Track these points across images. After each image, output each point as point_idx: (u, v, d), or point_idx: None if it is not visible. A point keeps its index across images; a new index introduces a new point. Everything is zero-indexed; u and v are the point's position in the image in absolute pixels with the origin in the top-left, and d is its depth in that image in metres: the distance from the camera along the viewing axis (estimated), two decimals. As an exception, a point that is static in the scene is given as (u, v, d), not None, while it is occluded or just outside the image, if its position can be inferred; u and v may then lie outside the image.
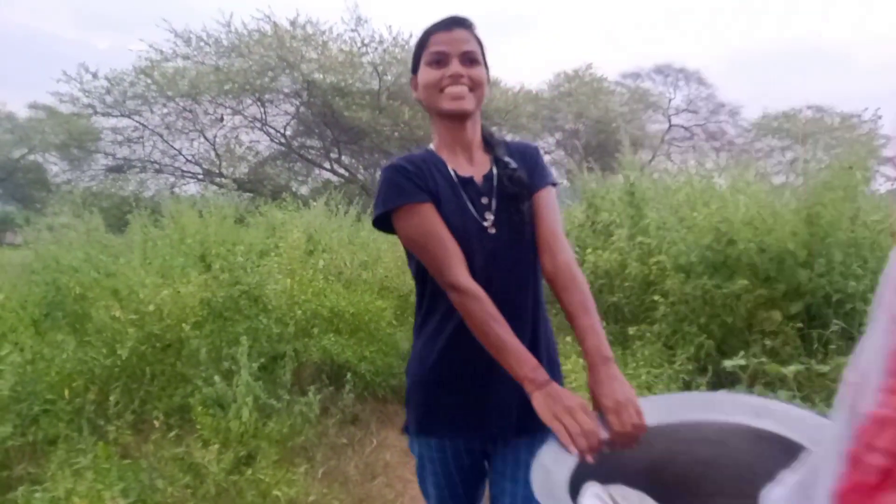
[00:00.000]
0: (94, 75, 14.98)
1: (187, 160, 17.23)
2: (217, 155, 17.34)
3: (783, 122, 20.51)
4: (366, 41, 15.51)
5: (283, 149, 18.21)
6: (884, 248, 3.85)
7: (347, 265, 6.14)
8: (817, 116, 20.22)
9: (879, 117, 16.08)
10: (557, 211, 1.55)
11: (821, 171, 4.43)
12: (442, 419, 1.55)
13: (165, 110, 16.04)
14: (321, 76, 15.16)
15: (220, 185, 16.11)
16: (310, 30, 15.57)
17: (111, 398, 3.37)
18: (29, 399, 3.51)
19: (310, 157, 18.51)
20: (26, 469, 3.12)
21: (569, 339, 4.18)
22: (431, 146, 1.60)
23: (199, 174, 17.28)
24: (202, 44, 15.37)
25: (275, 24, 15.17)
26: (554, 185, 1.59)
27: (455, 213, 1.47)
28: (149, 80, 15.10)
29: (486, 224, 1.49)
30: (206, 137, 17.10)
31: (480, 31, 1.53)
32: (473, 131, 1.54)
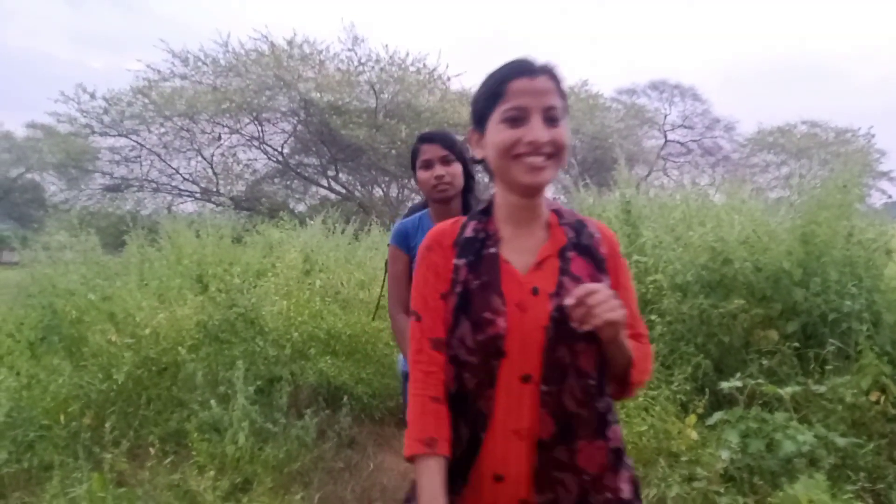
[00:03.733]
0: (92, 95, 15.08)
1: (185, 179, 17.27)
2: (214, 173, 17.39)
3: (778, 137, 20.62)
4: (362, 60, 15.65)
5: (280, 167, 18.26)
6: (878, 266, 3.86)
7: (344, 285, 6.13)
8: (812, 132, 20.34)
9: (873, 135, 16.15)
10: None
11: (815, 188, 4.44)
12: None
13: (163, 130, 16.10)
14: (318, 95, 15.23)
15: (218, 204, 16.14)
16: (307, 49, 15.70)
17: (107, 424, 3.34)
18: (24, 425, 3.50)
19: (307, 174, 18.56)
20: (21, 498, 3.09)
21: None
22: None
23: (196, 193, 17.31)
24: (200, 63, 15.48)
25: (272, 44, 15.28)
26: None
27: None
28: (146, 100, 15.18)
29: None
30: (203, 156, 17.15)
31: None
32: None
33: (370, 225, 9.51)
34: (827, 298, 3.63)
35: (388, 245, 2.35)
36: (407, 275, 2.24)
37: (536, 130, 1.20)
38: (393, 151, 15.50)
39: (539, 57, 1.26)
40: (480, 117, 1.30)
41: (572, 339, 1.20)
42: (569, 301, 1.14)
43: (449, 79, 16.79)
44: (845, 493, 2.54)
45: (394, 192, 19.20)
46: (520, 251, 1.30)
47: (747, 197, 5.07)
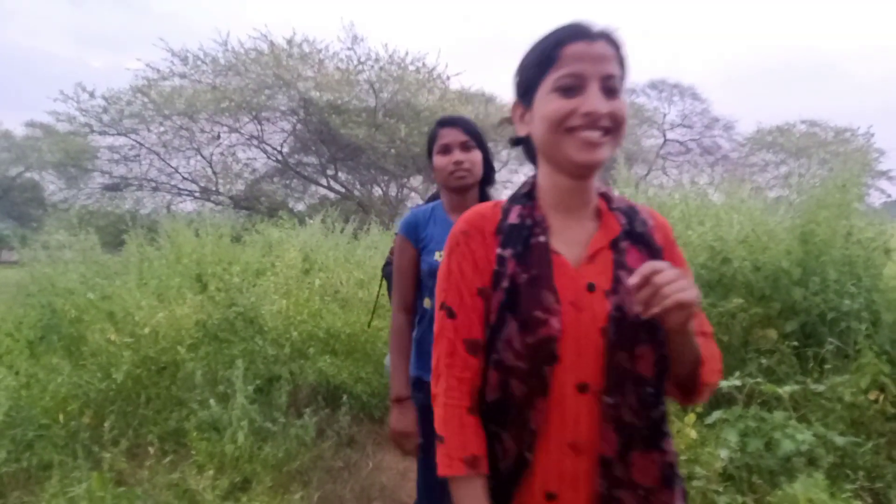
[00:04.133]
0: (91, 94, 15.06)
1: (184, 178, 17.27)
2: (214, 172, 17.38)
3: (777, 136, 20.62)
4: (362, 59, 15.62)
5: (279, 166, 18.25)
6: (877, 265, 3.86)
7: (343, 284, 6.13)
8: (811, 131, 20.35)
9: (872, 135, 16.17)
10: None
11: (814, 188, 4.45)
12: None
13: (162, 129, 16.09)
14: (318, 94, 15.22)
15: (217, 203, 16.16)
16: (306, 48, 15.68)
17: (106, 423, 3.34)
18: (23, 424, 3.49)
19: (306, 173, 18.56)
20: (21, 498, 3.09)
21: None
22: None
23: (195, 192, 17.31)
24: (199, 62, 15.45)
25: (271, 43, 15.26)
26: None
27: None
28: (146, 99, 15.16)
29: None
30: (202, 155, 17.15)
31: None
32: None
33: (369, 224, 9.52)
34: (826, 297, 3.64)
35: (395, 234, 2.16)
36: (413, 269, 2.11)
37: (594, 100, 1.04)
38: (392, 151, 15.50)
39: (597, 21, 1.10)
40: (527, 88, 1.14)
41: (633, 342, 1.06)
42: (633, 280, 0.97)
43: (448, 78, 16.79)
44: (844, 492, 2.55)
45: (393, 191, 19.22)
46: (569, 242, 1.14)
47: (746, 196, 5.07)
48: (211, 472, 3.03)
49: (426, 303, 2.08)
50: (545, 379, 1.06)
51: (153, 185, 17.07)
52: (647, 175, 20.38)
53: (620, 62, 1.09)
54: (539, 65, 1.10)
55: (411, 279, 2.11)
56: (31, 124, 24.33)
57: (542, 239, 1.12)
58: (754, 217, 4.36)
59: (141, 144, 16.40)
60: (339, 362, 4.53)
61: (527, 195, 1.19)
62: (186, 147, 16.86)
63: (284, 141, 17.89)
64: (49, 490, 2.90)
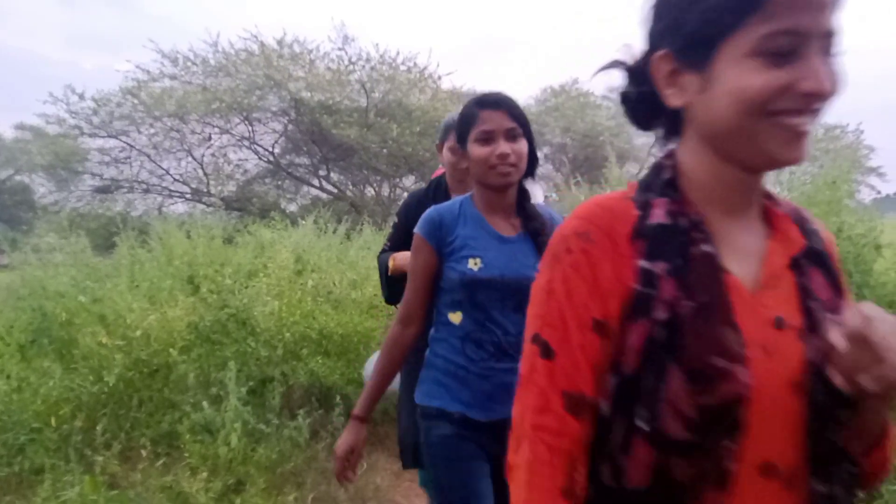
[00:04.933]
0: (81, 96, 14.97)
1: (175, 180, 17.18)
2: (205, 174, 17.31)
3: (768, 133, 20.69)
4: (353, 59, 15.60)
5: (271, 167, 18.20)
6: (868, 261, 3.88)
7: (336, 285, 6.12)
8: (801, 128, 20.43)
9: (862, 131, 16.26)
10: None
11: (804, 185, 4.47)
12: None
13: (153, 130, 16.01)
14: (309, 94, 15.19)
15: (209, 205, 16.10)
16: (297, 49, 15.65)
17: (98, 426, 3.33)
18: (15, 428, 3.48)
19: (298, 174, 18.52)
20: (13, 502, 3.08)
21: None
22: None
23: (187, 193, 17.23)
24: (189, 64, 15.40)
25: (262, 44, 15.23)
26: None
27: None
28: (136, 101, 15.09)
29: None
30: (193, 157, 17.07)
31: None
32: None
33: (362, 224, 9.50)
34: (817, 294, 3.65)
35: (414, 233, 1.79)
36: (428, 276, 1.77)
37: (820, 75, 0.69)
38: (384, 151, 15.49)
39: None
40: (698, 39, 0.74)
41: (837, 403, 0.72)
42: (836, 338, 0.67)
43: (440, 77, 16.79)
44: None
45: (385, 191, 19.20)
46: (738, 254, 0.79)
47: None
48: (204, 475, 3.03)
49: (454, 318, 1.72)
50: (722, 459, 0.71)
51: (144, 186, 16.98)
52: (638, 173, 20.41)
53: (838, 9, 0.72)
54: (731, 8, 0.71)
55: (423, 287, 1.77)
56: (20, 127, 24.20)
57: (706, 248, 0.76)
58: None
59: (131, 146, 16.30)
60: (331, 363, 4.52)
61: (669, 184, 0.81)
62: (177, 148, 16.77)
63: (276, 142, 17.84)
64: (41, 494, 2.90)
